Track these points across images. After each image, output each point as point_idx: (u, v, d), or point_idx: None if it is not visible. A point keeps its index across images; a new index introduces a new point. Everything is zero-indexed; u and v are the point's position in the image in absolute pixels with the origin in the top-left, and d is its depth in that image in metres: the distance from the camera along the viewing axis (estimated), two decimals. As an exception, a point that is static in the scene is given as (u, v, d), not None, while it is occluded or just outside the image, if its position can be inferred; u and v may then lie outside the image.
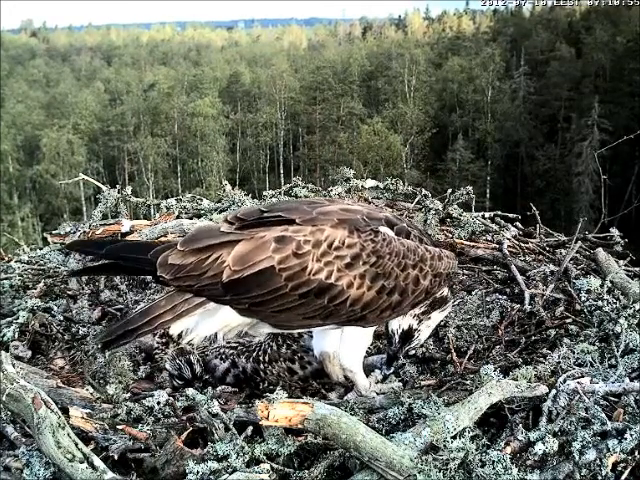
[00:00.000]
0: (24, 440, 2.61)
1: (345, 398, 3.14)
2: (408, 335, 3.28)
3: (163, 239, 4.70)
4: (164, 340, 3.72)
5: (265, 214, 2.90)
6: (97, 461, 2.36)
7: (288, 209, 2.93)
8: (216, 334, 3.08)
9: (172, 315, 2.82)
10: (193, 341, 3.04)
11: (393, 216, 3.11)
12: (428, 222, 4.89)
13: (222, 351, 3.55)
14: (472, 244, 4.83)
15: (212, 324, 2.94)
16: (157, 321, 2.81)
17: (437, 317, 3.34)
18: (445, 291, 3.24)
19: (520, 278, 4.21)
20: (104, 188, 5.58)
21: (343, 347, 3.13)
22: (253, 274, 2.75)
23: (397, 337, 3.27)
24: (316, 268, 2.78)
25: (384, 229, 2.95)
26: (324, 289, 2.79)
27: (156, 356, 3.69)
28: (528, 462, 2.42)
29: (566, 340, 3.34)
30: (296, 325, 2.97)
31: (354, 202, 3.28)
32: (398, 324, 3.24)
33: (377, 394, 3.11)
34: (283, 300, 2.80)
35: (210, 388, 3.28)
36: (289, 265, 2.76)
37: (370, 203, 5.21)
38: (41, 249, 5.10)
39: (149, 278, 4.39)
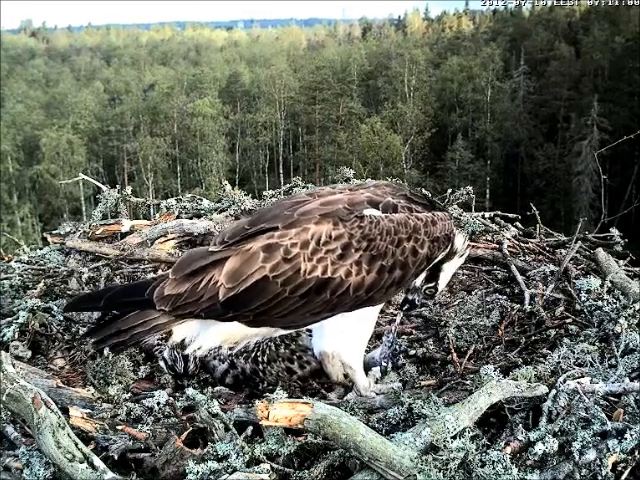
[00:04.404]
0: (24, 440, 2.61)
1: (345, 398, 3.14)
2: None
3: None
4: (164, 336, 3.71)
5: (249, 231, 2.88)
6: (97, 461, 2.36)
7: (270, 219, 2.90)
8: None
9: (167, 319, 2.83)
10: (198, 352, 3.02)
11: (375, 194, 3.04)
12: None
13: (220, 352, 3.54)
14: (472, 244, 4.82)
15: (217, 336, 2.95)
16: (152, 322, 2.82)
17: (456, 263, 3.27)
18: (457, 241, 3.14)
19: (520, 278, 4.21)
20: (104, 188, 5.58)
21: (344, 342, 3.12)
22: (248, 287, 2.75)
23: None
24: (310, 267, 2.78)
25: (369, 211, 2.92)
26: (323, 284, 2.80)
27: (156, 353, 3.67)
28: (528, 462, 2.42)
29: (566, 340, 3.34)
30: (304, 322, 2.98)
31: (335, 190, 3.15)
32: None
33: (377, 394, 3.10)
34: (286, 304, 2.80)
35: (210, 388, 3.27)
36: (282, 271, 2.76)
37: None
38: (41, 249, 5.09)
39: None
